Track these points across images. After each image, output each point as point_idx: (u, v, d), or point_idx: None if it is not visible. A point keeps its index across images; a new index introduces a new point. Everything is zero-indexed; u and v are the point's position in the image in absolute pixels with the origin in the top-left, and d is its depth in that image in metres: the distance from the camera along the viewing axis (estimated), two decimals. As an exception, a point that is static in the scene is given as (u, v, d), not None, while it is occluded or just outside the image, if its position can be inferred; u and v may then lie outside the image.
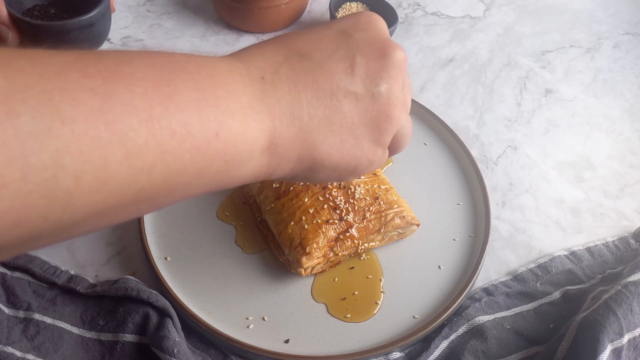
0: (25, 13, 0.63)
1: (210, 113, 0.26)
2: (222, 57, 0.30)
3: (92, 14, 0.59)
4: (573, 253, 0.56)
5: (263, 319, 0.48)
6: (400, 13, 0.81)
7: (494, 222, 0.58)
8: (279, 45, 0.32)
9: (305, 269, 0.49)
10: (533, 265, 0.55)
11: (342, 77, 0.31)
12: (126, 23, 0.75)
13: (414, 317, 0.49)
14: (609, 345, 0.42)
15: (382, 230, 0.51)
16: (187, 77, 0.26)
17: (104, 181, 0.22)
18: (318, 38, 0.33)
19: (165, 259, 0.51)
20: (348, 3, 0.76)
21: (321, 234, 0.48)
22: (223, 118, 0.26)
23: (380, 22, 0.35)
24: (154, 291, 0.47)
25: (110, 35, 0.72)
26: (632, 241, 0.57)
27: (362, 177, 0.52)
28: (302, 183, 0.51)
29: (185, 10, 0.78)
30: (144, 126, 0.23)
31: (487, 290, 0.52)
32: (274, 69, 0.30)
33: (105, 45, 0.68)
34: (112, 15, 0.68)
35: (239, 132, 0.27)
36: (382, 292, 0.50)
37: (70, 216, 0.22)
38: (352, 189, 0.51)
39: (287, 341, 0.47)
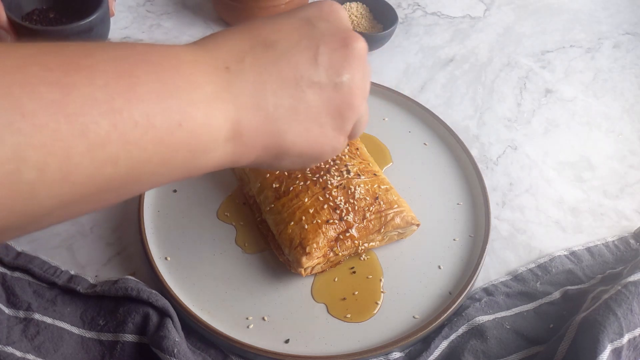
0: (24, 17, 0.63)
1: (172, 104, 0.26)
2: (186, 46, 0.30)
3: (90, 18, 0.59)
4: (573, 253, 0.56)
5: (263, 319, 0.48)
6: (400, 13, 0.81)
7: (494, 222, 0.58)
8: (245, 34, 0.32)
9: (305, 269, 0.49)
10: (533, 265, 0.55)
11: (306, 67, 0.32)
12: (126, 23, 0.75)
13: (414, 317, 0.49)
14: (609, 345, 0.42)
15: (382, 230, 0.51)
16: (149, 69, 0.26)
17: (68, 173, 0.23)
18: (283, 27, 0.33)
19: (165, 259, 0.51)
20: (348, 3, 0.76)
21: (321, 234, 0.48)
22: (186, 108, 0.27)
23: (342, 12, 0.36)
24: (154, 291, 0.47)
25: (110, 35, 0.72)
26: (632, 241, 0.57)
27: (362, 177, 0.52)
28: (301, 183, 0.51)
29: (185, 11, 0.78)
30: (105, 118, 0.23)
31: (487, 290, 0.52)
32: (239, 59, 0.30)
33: (105, 46, 0.68)
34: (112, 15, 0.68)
35: (202, 122, 0.27)
36: (382, 292, 0.50)
37: (37, 208, 0.23)
38: (352, 189, 0.51)
39: (287, 341, 0.47)
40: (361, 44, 0.34)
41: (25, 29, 0.58)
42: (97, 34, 0.62)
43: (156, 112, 0.25)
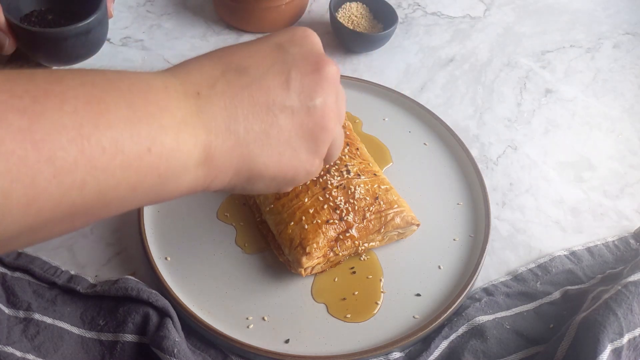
0: (22, 19, 0.63)
1: (142, 129, 0.26)
2: (157, 73, 0.30)
3: (88, 20, 0.59)
4: (573, 253, 0.56)
5: (263, 319, 0.48)
6: (400, 13, 0.81)
7: (494, 222, 0.58)
8: (216, 60, 0.32)
9: (305, 269, 0.49)
10: (533, 265, 0.55)
11: (278, 92, 0.32)
12: (126, 23, 0.75)
13: (414, 317, 0.49)
14: (609, 345, 0.42)
15: (382, 230, 0.51)
16: (119, 95, 0.26)
17: (34, 198, 0.23)
18: (255, 53, 0.34)
19: (165, 259, 0.51)
20: (348, 3, 0.76)
21: (321, 234, 0.48)
22: (155, 134, 0.27)
23: (314, 37, 0.36)
24: (154, 291, 0.47)
25: (111, 35, 0.72)
26: (632, 241, 0.57)
27: (362, 177, 0.52)
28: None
29: (185, 11, 0.78)
30: (73, 144, 0.23)
31: (487, 290, 0.52)
32: (210, 84, 0.31)
33: (105, 46, 0.68)
34: (112, 15, 0.68)
35: (172, 147, 0.28)
36: (382, 292, 0.50)
37: (1, 232, 0.23)
38: (352, 189, 0.51)
39: (287, 341, 0.47)
40: (333, 67, 0.35)
41: (23, 31, 0.58)
42: (95, 36, 0.62)
43: (125, 138, 0.25)
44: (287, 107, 0.32)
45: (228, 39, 0.75)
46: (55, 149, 0.23)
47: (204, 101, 0.30)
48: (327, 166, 0.52)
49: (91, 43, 0.62)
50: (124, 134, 0.25)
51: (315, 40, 0.36)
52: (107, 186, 0.25)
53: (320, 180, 0.51)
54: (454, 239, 0.55)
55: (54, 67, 0.66)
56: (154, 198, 0.29)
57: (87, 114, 0.24)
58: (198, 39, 0.74)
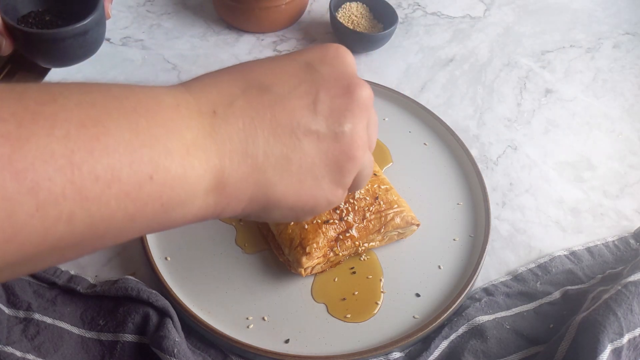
0: (20, 20, 0.63)
1: (144, 154, 0.24)
2: (169, 88, 0.27)
3: (85, 21, 0.59)
4: (573, 253, 0.56)
5: (263, 319, 0.48)
6: (400, 13, 0.81)
7: (494, 222, 0.58)
8: (237, 76, 0.30)
9: (305, 269, 0.49)
10: (533, 265, 0.55)
11: (304, 114, 0.29)
12: (126, 23, 0.75)
13: (414, 317, 0.49)
14: (609, 345, 0.42)
15: (382, 230, 0.51)
16: (122, 115, 0.24)
17: (13, 233, 0.21)
18: (280, 70, 0.31)
19: (165, 259, 0.51)
20: (348, 3, 0.76)
21: (321, 234, 0.48)
22: (158, 159, 0.24)
23: (348, 57, 0.33)
24: (154, 291, 0.47)
25: (111, 35, 0.72)
26: (632, 241, 0.57)
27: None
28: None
29: (185, 11, 0.78)
30: (61, 173, 0.21)
31: (487, 290, 0.52)
32: (229, 102, 0.28)
33: (105, 46, 0.68)
34: (112, 15, 0.68)
35: (177, 173, 0.25)
36: (382, 292, 0.50)
37: None
38: (352, 189, 0.51)
39: (287, 341, 0.47)
40: (366, 91, 0.32)
41: (20, 32, 0.58)
42: (92, 37, 0.62)
43: (123, 165, 0.23)
44: (313, 132, 0.29)
45: (228, 38, 0.75)
46: (39, 180, 0.20)
47: (220, 120, 0.27)
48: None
49: (89, 44, 0.62)
50: (122, 160, 0.23)
51: (349, 60, 0.33)
52: (100, 218, 0.23)
53: (320, 180, 0.51)
54: (454, 239, 0.55)
55: (53, 68, 0.66)
56: (157, 227, 0.26)
57: (81, 139, 0.22)
58: (198, 39, 0.74)
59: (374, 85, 0.67)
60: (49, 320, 0.45)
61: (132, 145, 0.23)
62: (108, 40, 0.71)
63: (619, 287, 0.46)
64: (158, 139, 0.24)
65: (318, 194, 0.31)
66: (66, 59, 0.63)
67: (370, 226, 0.50)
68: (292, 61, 0.32)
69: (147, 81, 0.68)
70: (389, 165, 0.61)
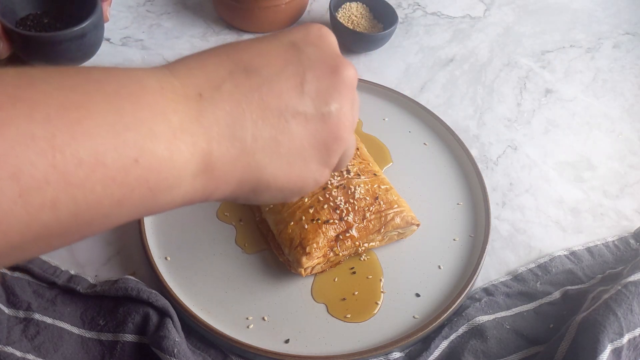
0: (18, 22, 0.63)
1: (128, 138, 0.23)
2: (153, 70, 0.27)
3: (83, 25, 0.59)
4: (573, 253, 0.56)
5: (263, 319, 0.48)
6: (400, 13, 0.81)
7: (494, 222, 0.58)
8: (223, 57, 0.29)
9: (305, 269, 0.49)
10: (533, 265, 0.55)
11: (292, 96, 0.29)
12: (126, 23, 0.75)
13: (414, 317, 0.49)
14: (609, 345, 0.42)
15: (382, 230, 0.51)
16: (104, 99, 0.23)
17: None
18: (267, 51, 0.30)
19: (165, 259, 0.51)
20: (348, 3, 0.76)
21: (321, 234, 0.48)
22: (144, 142, 0.24)
23: (331, 37, 0.33)
24: (154, 291, 0.47)
25: (111, 35, 0.72)
26: (632, 241, 0.57)
27: (362, 177, 0.52)
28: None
29: (185, 11, 0.78)
30: (43, 158, 0.20)
31: (487, 290, 0.52)
32: (215, 85, 0.28)
33: (105, 46, 0.68)
34: (112, 15, 0.68)
35: (163, 157, 0.24)
36: (382, 292, 0.50)
37: None
38: (352, 189, 0.51)
39: (287, 341, 0.47)
40: (351, 71, 0.32)
41: (18, 35, 0.57)
42: (90, 40, 0.61)
43: (107, 149, 0.22)
44: (301, 113, 0.30)
45: (228, 38, 0.75)
46: (20, 164, 0.20)
47: (206, 104, 0.27)
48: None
49: (87, 47, 0.62)
50: (106, 144, 0.22)
51: (331, 39, 0.33)
52: (86, 204, 0.22)
53: (320, 180, 0.51)
54: (454, 239, 0.55)
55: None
56: (145, 212, 0.26)
57: (62, 122, 0.21)
58: (198, 39, 0.74)
59: (374, 85, 0.67)
60: (49, 320, 0.45)
61: (115, 128, 0.23)
62: (108, 40, 0.71)
63: (619, 287, 0.46)
64: (143, 122, 0.24)
65: (307, 175, 0.31)
66: (64, 61, 0.63)
67: (370, 226, 0.50)
68: (277, 42, 0.32)
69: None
70: (389, 165, 0.61)
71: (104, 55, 0.69)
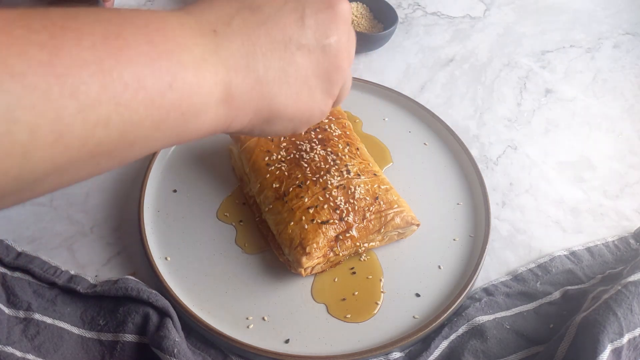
0: None
1: (162, 65, 0.26)
2: (171, 11, 0.30)
3: None
4: (573, 253, 0.56)
5: (263, 319, 0.48)
6: (400, 13, 0.82)
7: (494, 222, 0.58)
8: None
9: (305, 269, 0.49)
10: (533, 265, 0.55)
11: (294, 29, 0.32)
12: (126, 23, 0.75)
13: (414, 317, 0.49)
14: (609, 345, 0.42)
15: (382, 230, 0.51)
16: (137, 31, 0.26)
17: (60, 134, 0.22)
18: None
19: (165, 259, 0.51)
20: (348, 3, 0.76)
21: (321, 234, 0.48)
22: (176, 70, 0.26)
23: None
24: (154, 291, 0.47)
25: (110, 35, 0.72)
26: (632, 241, 0.57)
27: (362, 177, 0.52)
28: (302, 183, 0.51)
29: (185, 11, 0.78)
30: (95, 79, 0.23)
31: (487, 290, 0.52)
32: (226, 22, 0.30)
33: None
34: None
35: (192, 83, 0.27)
36: (382, 292, 0.50)
37: (30, 171, 0.23)
38: (352, 189, 0.51)
39: (287, 341, 0.47)
40: (345, 5, 0.34)
41: None
42: None
43: (146, 74, 0.25)
44: (304, 45, 0.32)
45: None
46: (77, 84, 0.22)
47: (221, 38, 0.29)
48: (327, 166, 0.52)
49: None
50: (144, 70, 0.25)
51: None
52: (131, 123, 0.25)
53: (321, 180, 0.51)
54: (454, 239, 0.55)
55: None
56: (177, 137, 0.29)
57: (107, 49, 0.24)
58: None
59: (374, 85, 0.67)
60: (49, 320, 0.45)
61: (150, 56, 0.25)
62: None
63: (619, 287, 0.46)
64: (172, 52, 0.27)
65: (313, 104, 0.34)
66: None
67: (370, 226, 0.50)
68: None
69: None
70: (389, 165, 0.61)
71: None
